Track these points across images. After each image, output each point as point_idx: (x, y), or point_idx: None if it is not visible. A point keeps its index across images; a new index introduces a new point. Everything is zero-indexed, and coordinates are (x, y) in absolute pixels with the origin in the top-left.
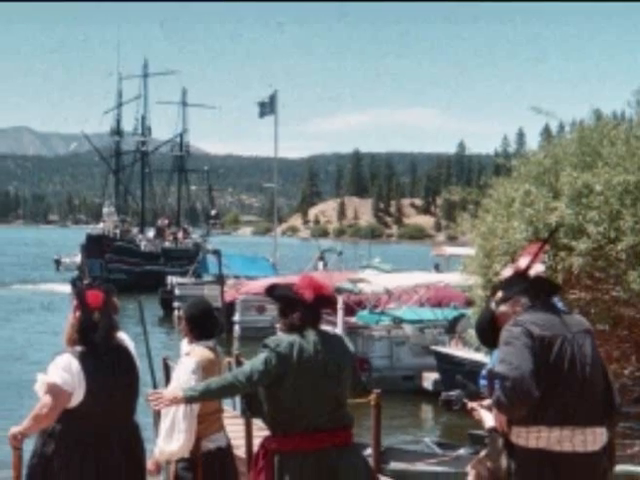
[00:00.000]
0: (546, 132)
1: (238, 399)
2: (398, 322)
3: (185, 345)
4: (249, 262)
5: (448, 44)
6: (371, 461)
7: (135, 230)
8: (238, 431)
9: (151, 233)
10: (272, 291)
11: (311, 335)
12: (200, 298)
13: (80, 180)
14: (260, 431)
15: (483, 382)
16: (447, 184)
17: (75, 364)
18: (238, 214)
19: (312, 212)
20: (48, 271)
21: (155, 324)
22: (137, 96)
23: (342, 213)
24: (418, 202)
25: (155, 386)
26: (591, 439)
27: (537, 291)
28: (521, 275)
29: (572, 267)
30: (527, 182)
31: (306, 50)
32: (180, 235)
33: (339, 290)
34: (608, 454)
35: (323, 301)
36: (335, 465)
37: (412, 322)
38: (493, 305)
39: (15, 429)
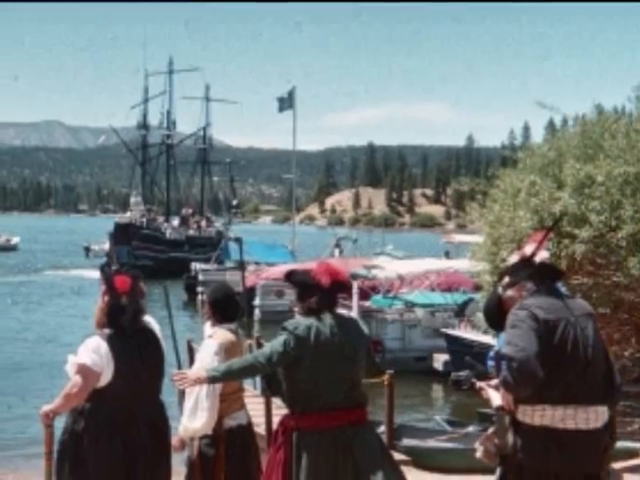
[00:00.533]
0: (550, 126)
1: (258, 379)
2: (410, 306)
3: (208, 328)
4: (269, 249)
5: (457, 42)
6: (385, 438)
7: (161, 219)
8: (258, 409)
9: (176, 222)
10: (291, 276)
11: (328, 318)
12: (222, 283)
13: (108, 171)
14: (279, 409)
15: (491, 363)
16: (456, 175)
17: (104, 346)
18: (258, 204)
19: (329, 202)
20: (78, 258)
21: (180, 308)
22: (162, 92)
23: (357, 203)
24: (429, 192)
25: (180, 367)
26: (593, 417)
27: (542, 277)
28: (527, 261)
29: (575, 254)
30: (532, 173)
31: (323, 48)
32: (203, 223)
33: (354, 276)
34: (609, 431)
35: (339, 286)
36: (350, 442)
37: (423, 306)
38: (500, 290)
39: (47, 407)
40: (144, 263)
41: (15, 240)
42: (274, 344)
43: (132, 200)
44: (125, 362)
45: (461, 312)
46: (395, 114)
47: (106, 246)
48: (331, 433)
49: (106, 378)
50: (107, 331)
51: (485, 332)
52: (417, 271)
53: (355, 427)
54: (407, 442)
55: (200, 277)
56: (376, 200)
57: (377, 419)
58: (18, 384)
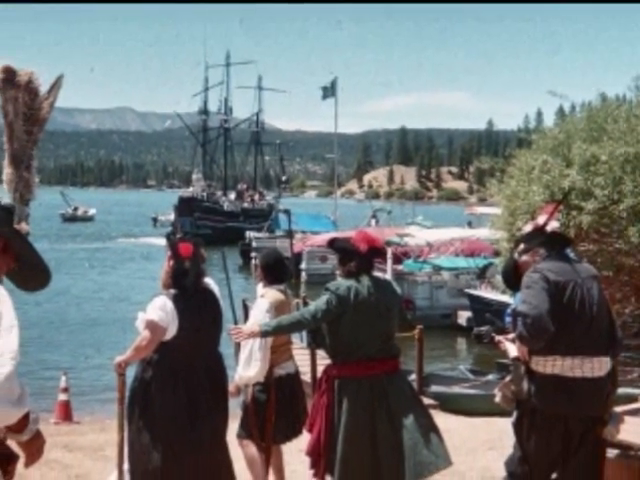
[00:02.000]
0: (560, 112)
1: (305, 333)
2: (437, 269)
3: (260, 288)
4: (314, 219)
5: (479, 39)
6: (415, 385)
7: (219, 193)
8: (304, 360)
9: (232, 196)
10: (333, 243)
11: (365, 280)
12: (273, 249)
13: (173, 151)
14: (323, 360)
15: (508, 319)
16: (478, 155)
17: (169, 304)
18: (304, 180)
19: (366, 178)
20: (147, 227)
21: (236, 271)
22: (221, 82)
23: (391, 179)
24: (454, 170)
25: (235, 322)
26: (597, 366)
27: (553, 244)
28: (539, 230)
29: (582, 224)
30: (544, 153)
31: (361, 43)
32: (256, 197)
33: (388, 243)
34: (611, 379)
35: (375, 252)
36: (385, 388)
37: (449, 269)
38: (516, 255)
39: (119, 358)
40: (204, 232)
41: (92, 212)
42: (318, 303)
43: (194, 177)
44: (187, 318)
45: (482, 275)
46: (424, 101)
47: (171, 217)
48: (368, 381)
49: (171, 332)
50: (172, 291)
51: (503, 292)
52: (443, 239)
53: (389, 375)
54: (435, 389)
55: (253, 244)
56: (408, 177)
57: (408, 368)
58: (94, 338)
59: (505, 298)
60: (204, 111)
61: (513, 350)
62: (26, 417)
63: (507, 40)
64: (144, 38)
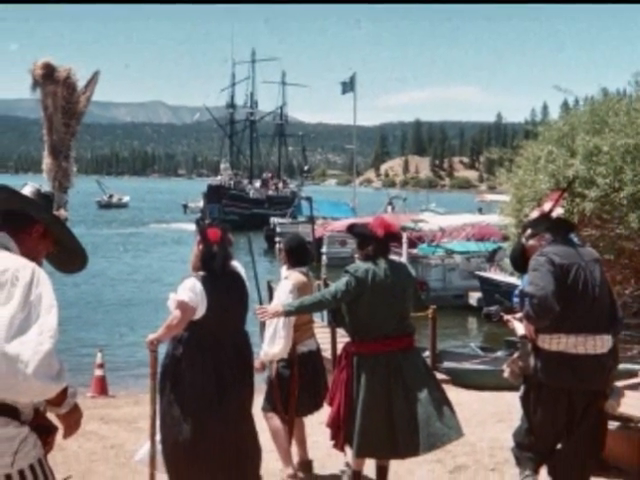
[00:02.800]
0: (565, 105)
1: (325, 313)
2: (450, 253)
3: (284, 271)
4: (334, 206)
5: (489, 37)
6: (429, 361)
7: (245, 181)
8: (325, 338)
9: (258, 184)
10: (352, 229)
11: (382, 263)
12: (296, 234)
13: (202, 143)
14: (342, 338)
15: (516, 299)
16: (488, 146)
17: (198, 285)
18: (325, 169)
19: (383, 167)
20: (177, 213)
21: (261, 255)
22: (247, 77)
23: (406, 168)
24: (465, 160)
25: (261, 303)
26: (599, 344)
27: (558, 229)
28: (545, 217)
29: (585, 210)
30: (550, 144)
31: (378, 41)
32: (280, 185)
33: (404, 228)
34: (613, 355)
35: (391, 237)
36: (400, 364)
37: (461, 253)
38: (523, 240)
39: (152, 336)
40: (231, 218)
41: (126, 199)
42: (338, 284)
43: (222, 166)
44: (215, 299)
45: (491, 258)
46: (437, 95)
47: (201, 204)
48: (385, 357)
49: (200, 312)
50: (201, 273)
51: (511, 274)
52: (455, 224)
53: (404, 352)
54: (447, 364)
55: (277, 229)
56: (422, 166)
57: (423, 346)
58: (128, 317)
59: (513, 280)
60: (231, 105)
61: (520, 328)
62: (65, 391)
63: (515, 38)
64: (175, 37)
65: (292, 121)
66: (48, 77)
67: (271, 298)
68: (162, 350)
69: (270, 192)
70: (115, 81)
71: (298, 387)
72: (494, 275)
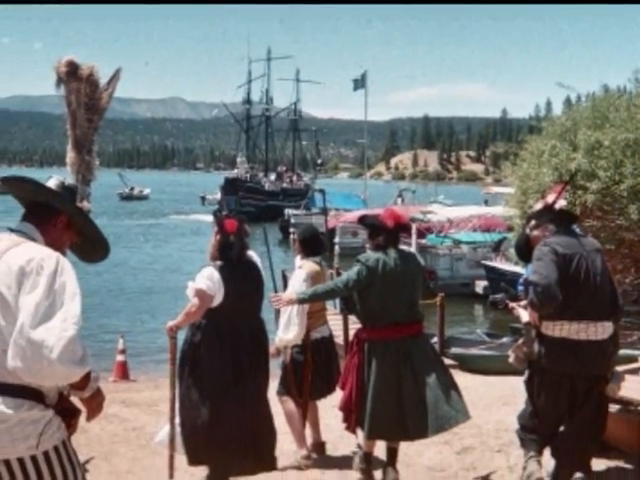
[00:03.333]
0: (567, 101)
1: (338, 301)
2: (457, 243)
3: (298, 260)
4: (346, 198)
5: (495, 36)
6: (437, 347)
7: (261, 174)
8: (338, 324)
9: (273, 177)
10: (363, 220)
11: (392, 253)
12: (309, 225)
13: (220, 137)
14: (354, 324)
15: (520, 288)
16: (494, 140)
17: (216, 274)
18: (337, 162)
19: (393, 161)
20: (196, 205)
21: (276, 245)
22: (262, 75)
23: (415, 162)
24: (472, 154)
25: (275, 291)
26: (601, 330)
27: (560, 220)
28: (549, 208)
29: (586, 202)
30: (553, 139)
31: (389, 40)
32: (294, 178)
33: (413, 219)
34: (613, 341)
35: (401, 227)
36: (410, 350)
37: (467, 243)
38: (528, 230)
39: (171, 323)
40: (248, 209)
41: (146, 191)
42: (350, 273)
43: (238, 160)
44: (232, 287)
45: (497, 248)
46: (445, 92)
47: (218, 196)
48: (395, 343)
49: (217, 300)
50: (219, 263)
51: (516, 263)
52: (462, 216)
53: (413, 338)
54: (455, 350)
55: (292, 220)
56: (430, 160)
57: (431, 332)
58: (149, 304)
59: (518, 269)
60: (247, 101)
61: (525, 315)
62: (88, 376)
63: (519, 37)
64: (194, 35)
65: (306, 116)
66: (72, 74)
67: (285, 287)
68: (181, 336)
69: (285, 185)
70: (136, 78)
71: (311, 372)
72: (500, 264)
